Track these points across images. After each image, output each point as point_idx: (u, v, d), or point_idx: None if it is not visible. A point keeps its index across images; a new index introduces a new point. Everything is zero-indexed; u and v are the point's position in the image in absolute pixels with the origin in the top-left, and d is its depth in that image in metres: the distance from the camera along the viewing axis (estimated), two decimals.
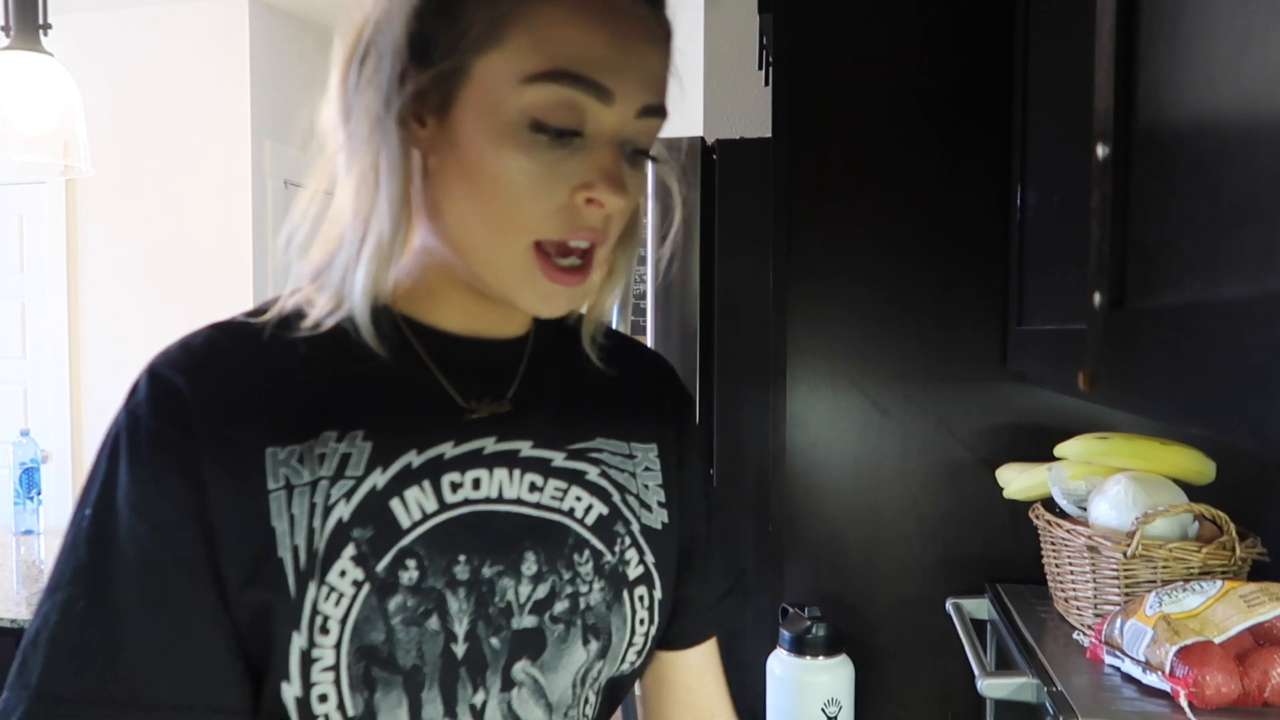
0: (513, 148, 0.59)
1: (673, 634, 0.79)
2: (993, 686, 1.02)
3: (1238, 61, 0.53)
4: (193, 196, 3.62)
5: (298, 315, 0.64)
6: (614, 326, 1.72)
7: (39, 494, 2.71)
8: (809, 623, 1.27)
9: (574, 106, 0.59)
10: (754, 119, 2.50)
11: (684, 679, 0.82)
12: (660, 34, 0.64)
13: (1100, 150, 0.78)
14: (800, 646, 1.27)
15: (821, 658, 1.26)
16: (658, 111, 0.63)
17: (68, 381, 3.79)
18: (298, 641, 0.57)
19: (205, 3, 3.58)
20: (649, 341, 1.68)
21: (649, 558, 0.71)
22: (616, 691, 0.74)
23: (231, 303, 3.58)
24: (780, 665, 1.28)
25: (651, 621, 0.71)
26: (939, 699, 1.39)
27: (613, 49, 0.59)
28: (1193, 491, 1.08)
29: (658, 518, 0.74)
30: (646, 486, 0.74)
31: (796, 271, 1.39)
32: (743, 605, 0.85)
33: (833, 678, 1.27)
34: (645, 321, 1.69)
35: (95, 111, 2.29)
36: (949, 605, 1.29)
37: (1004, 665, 1.15)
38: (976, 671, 1.06)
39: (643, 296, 1.70)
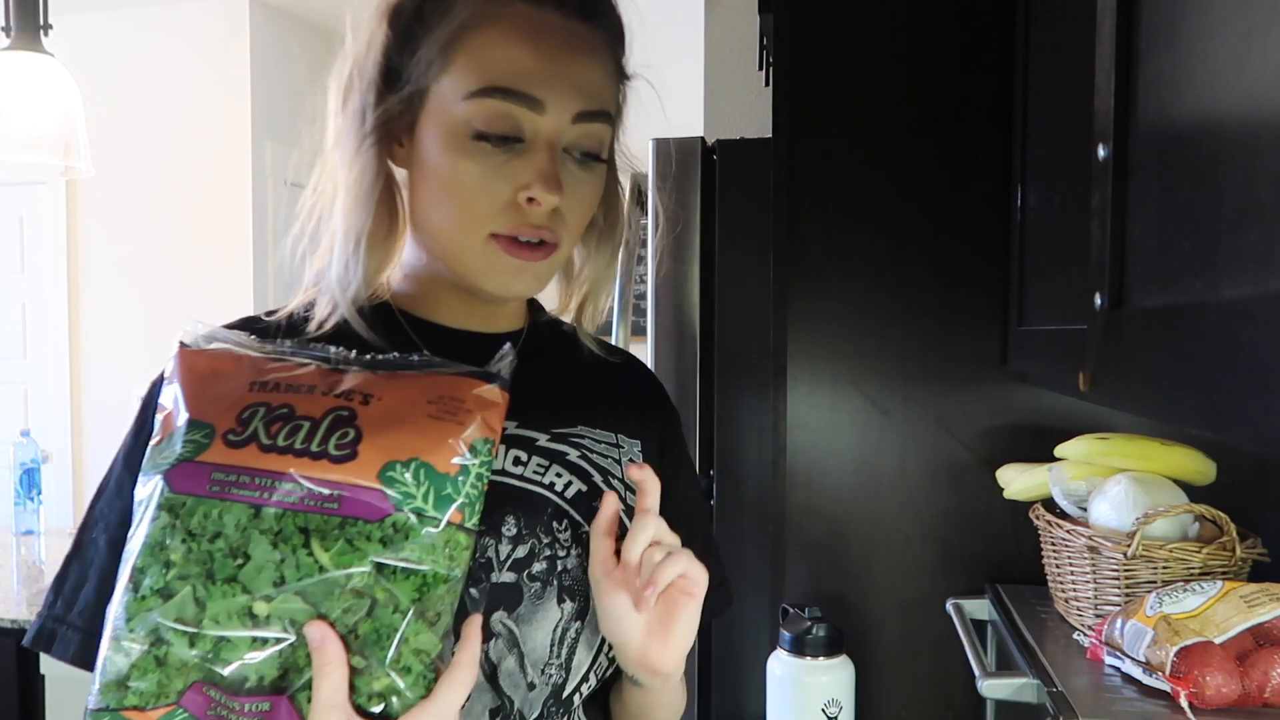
0: (460, 155, 0.68)
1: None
2: (993, 687, 1.02)
3: (1238, 61, 0.53)
4: (193, 197, 3.63)
5: (304, 314, 0.74)
6: (614, 327, 1.70)
7: (39, 494, 2.71)
8: (809, 623, 1.27)
9: (509, 116, 0.68)
10: (754, 119, 2.50)
11: None
12: (594, 46, 0.71)
13: (1101, 150, 0.78)
14: (801, 647, 1.27)
15: (822, 658, 1.27)
16: (595, 117, 0.71)
17: (68, 382, 3.79)
18: None
19: (205, 3, 3.58)
20: (649, 341, 1.68)
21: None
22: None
23: (232, 303, 3.58)
24: (781, 666, 1.28)
25: None
26: (939, 699, 1.39)
27: (541, 64, 0.68)
28: (1193, 492, 1.08)
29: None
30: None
31: (796, 271, 1.39)
32: (723, 603, 0.89)
33: (833, 678, 1.27)
34: (645, 322, 1.69)
35: (96, 112, 2.29)
36: (949, 605, 1.29)
37: (1004, 666, 1.15)
38: (977, 672, 1.06)
39: (643, 297, 1.70)
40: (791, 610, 1.30)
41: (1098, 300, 0.79)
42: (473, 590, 0.69)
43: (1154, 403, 0.66)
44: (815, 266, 1.39)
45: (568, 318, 0.84)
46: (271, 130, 3.66)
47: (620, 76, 0.77)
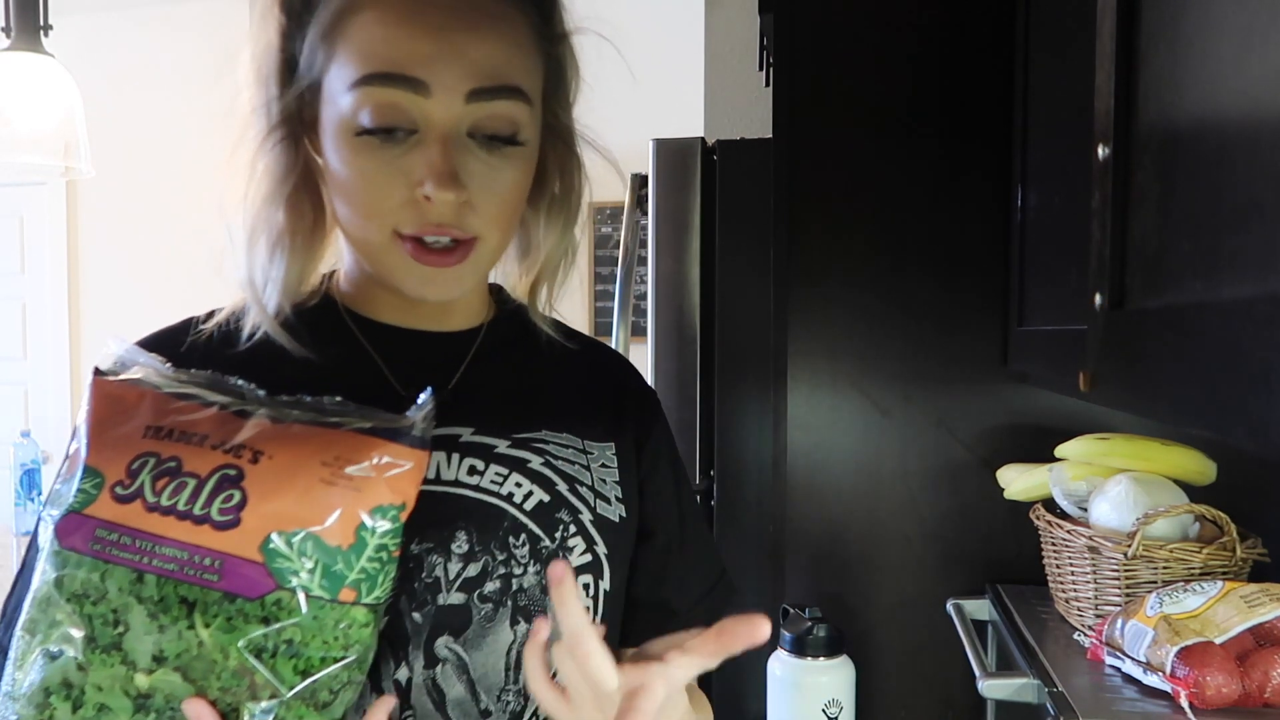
0: (350, 149, 0.63)
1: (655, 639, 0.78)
2: (993, 687, 1.02)
3: (1238, 62, 0.53)
4: (193, 198, 3.63)
5: (236, 324, 0.69)
6: (614, 327, 1.70)
7: (40, 495, 2.71)
8: (810, 623, 1.27)
9: (394, 105, 0.61)
10: (754, 119, 2.50)
11: None
12: (493, 14, 0.64)
13: (1101, 151, 0.78)
14: (801, 647, 1.27)
15: (822, 659, 1.26)
16: (496, 94, 0.63)
17: (68, 382, 3.79)
18: None
19: (205, 3, 3.58)
20: (649, 341, 1.68)
21: (600, 548, 0.72)
22: None
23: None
24: (781, 666, 1.28)
25: (596, 612, 0.71)
26: (940, 700, 1.39)
27: (423, 42, 0.61)
28: (1193, 492, 1.08)
29: (616, 511, 0.74)
30: (604, 481, 0.74)
31: (797, 271, 1.39)
32: (727, 601, 0.84)
33: (834, 679, 1.27)
34: (645, 322, 1.69)
35: (96, 112, 2.29)
36: (950, 606, 1.29)
37: (1005, 666, 1.15)
38: (977, 672, 1.06)
39: (643, 297, 1.70)
40: (792, 610, 1.30)
41: (1098, 300, 0.79)
42: (415, 615, 0.65)
43: (1154, 403, 0.66)
44: (815, 266, 1.38)
45: (526, 300, 0.78)
46: None
47: (548, 41, 0.69)
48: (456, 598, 0.66)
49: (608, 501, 0.74)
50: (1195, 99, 0.61)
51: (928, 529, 1.37)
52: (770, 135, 1.40)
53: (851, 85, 1.38)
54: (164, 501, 0.54)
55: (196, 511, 0.54)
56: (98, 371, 0.62)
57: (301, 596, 0.53)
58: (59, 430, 3.78)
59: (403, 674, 0.64)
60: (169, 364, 0.63)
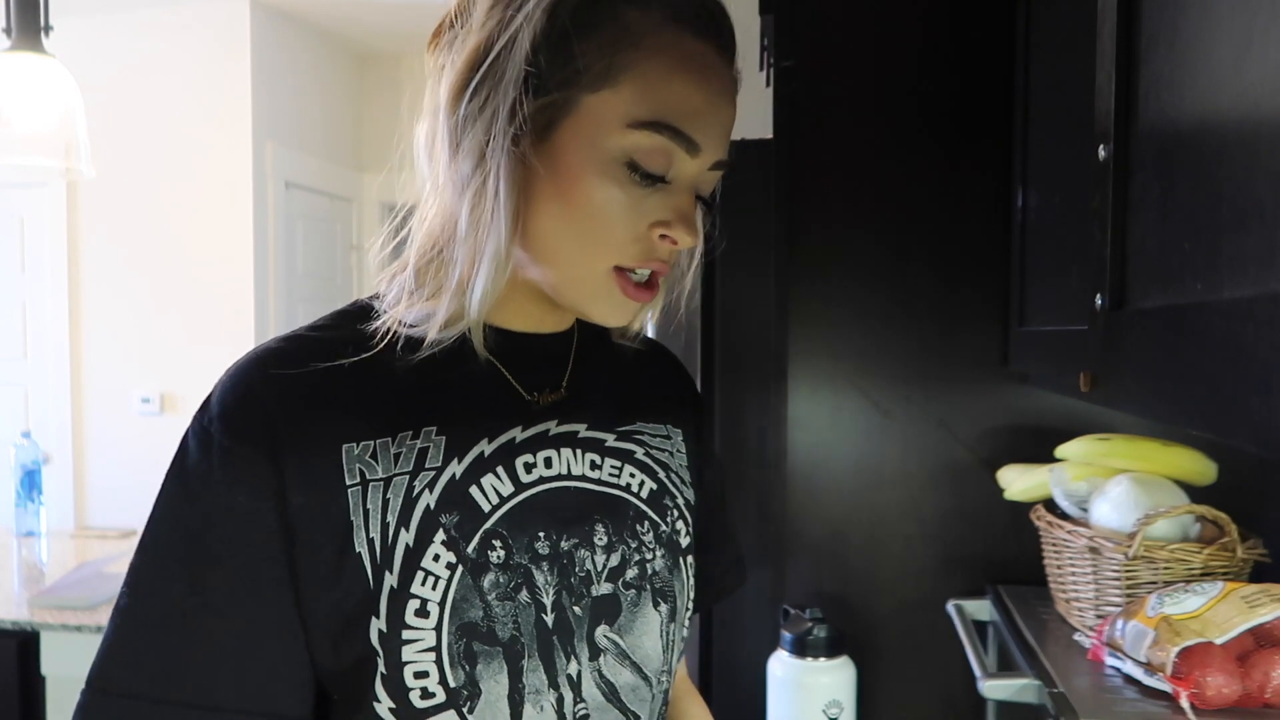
0: (608, 180, 0.64)
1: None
2: (994, 688, 1.02)
3: (1238, 63, 0.54)
4: (194, 198, 3.63)
5: (418, 326, 0.68)
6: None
7: (40, 495, 2.71)
8: (810, 624, 1.27)
9: (667, 154, 0.65)
10: (754, 119, 2.49)
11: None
12: (733, 90, 0.70)
13: (1101, 151, 0.78)
14: (802, 648, 1.27)
15: (823, 659, 1.26)
16: (723, 165, 0.70)
17: (68, 383, 3.79)
18: (376, 624, 0.63)
19: (206, 4, 3.58)
20: None
21: (691, 529, 0.78)
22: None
23: (232, 304, 3.59)
24: (781, 667, 1.28)
25: (694, 587, 0.78)
26: (940, 700, 1.39)
27: (706, 106, 0.66)
28: (1194, 493, 1.08)
29: (692, 494, 0.81)
30: (682, 466, 0.80)
31: (797, 272, 1.39)
32: (741, 578, 0.91)
33: (834, 679, 1.27)
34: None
35: (97, 113, 2.29)
36: (950, 606, 1.29)
37: (1005, 666, 1.15)
38: (978, 673, 1.06)
39: None
40: (792, 611, 1.30)
41: (1098, 301, 0.79)
42: (576, 608, 0.68)
43: (1154, 403, 0.66)
44: (816, 267, 1.38)
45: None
46: (271, 130, 3.66)
47: None
48: (606, 588, 0.70)
49: (687, 486, 0.80)
50: (1195, 100, 0.61)
51: (928, 529, 1.37)
52: (770, 135, 1.40)
53: (852, 85, 1.38)
54: None
55: None
56: None
57: None
58: (59, 431, 3.78)
59: (573, 668, 0.68)
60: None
